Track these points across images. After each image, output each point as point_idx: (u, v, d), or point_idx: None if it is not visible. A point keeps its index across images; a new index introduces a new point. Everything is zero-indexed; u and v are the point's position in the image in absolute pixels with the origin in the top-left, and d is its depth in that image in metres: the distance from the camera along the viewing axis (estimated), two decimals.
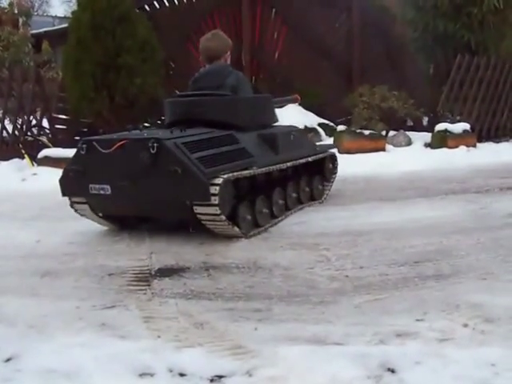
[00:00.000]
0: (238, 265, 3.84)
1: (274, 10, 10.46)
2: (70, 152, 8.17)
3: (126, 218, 4.88)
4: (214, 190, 4.13)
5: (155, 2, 9.73)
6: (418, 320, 2.83)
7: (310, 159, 5.47)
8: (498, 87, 10.51)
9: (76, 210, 4.79)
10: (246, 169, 4.55)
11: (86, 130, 9.32)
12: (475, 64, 10.16)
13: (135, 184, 4.26)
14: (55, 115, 9.34)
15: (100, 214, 4.79)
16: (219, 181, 4.17)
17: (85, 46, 8.34)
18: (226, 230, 4.36)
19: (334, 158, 6.00)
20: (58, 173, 7.68)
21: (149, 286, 3.52)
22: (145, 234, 4.70)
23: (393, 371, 2.38)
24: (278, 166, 4.93)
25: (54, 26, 24.45)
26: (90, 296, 3.35)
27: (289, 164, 5.09)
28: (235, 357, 2.56)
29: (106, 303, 3.23)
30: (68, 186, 4.60)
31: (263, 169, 4.73)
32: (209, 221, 4.27)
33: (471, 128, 9.43)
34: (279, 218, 4.95)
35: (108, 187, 4.34)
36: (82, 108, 8.51)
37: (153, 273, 3.76)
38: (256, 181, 4.78)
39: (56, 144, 8.70)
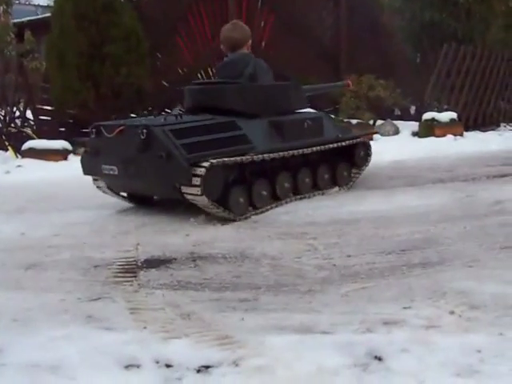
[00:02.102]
0: (224, 255, 3.82)
1: (260, 0, 10.42)
2: (54, 143, 8.17)
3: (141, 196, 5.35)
4: (198, 173, 4.42)
5: None
6: (404, 308, 2.83)
7: (330, 146, 5.51)
8: (484, 76, 10.55)
9: (98, 187, 5.30)
10: (242, 155, 4.76)
11: (71, 121, 9.25)
12: (462, 53, 10.18)
13: (132, 166, 4.64)
14: (39, 106, 9.25)
15: (120, 193, 5.31)
16: (204, 165, 4.44)
17: (68, 36, 8.23)
18: (214, 211, 4.63)
19: (366, 146, 6.00)
20: (42, 164, 7.74)
21: (135, 277, 3.50)
22: (131, 225, 4.68)
23: (380, 359, 2.37)
24: (280, 152, 5.04)
25: (37, 15, 24.27)
26: (76, 288, 3.32)
27: (295, 151, 5.16)
28: (222, 347, 2.54)
29: (91, 295, 3.20)
30: (86, 166, 5.12)
31: (259, 155, 4.87)
32: (196, 202, 4.58)
33: (458, 117, 9.46)
34: (283, 201, 5.15)
35: (115, 168, 4.76)
36: (67, 99, 8.42)
37: (139, 264, 3.74)
38: (256, 166, 4.93)
39: (40, 135, 8.65)
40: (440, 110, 9.46)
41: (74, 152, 8.28)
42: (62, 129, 9.16)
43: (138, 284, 3.38)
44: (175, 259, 3.79)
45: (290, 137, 5.21)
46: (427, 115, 9.31)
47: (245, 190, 4.85)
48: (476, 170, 6.65)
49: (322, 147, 5.44)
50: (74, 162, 7.83)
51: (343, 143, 5.68)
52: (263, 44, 10.47)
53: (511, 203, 4.88)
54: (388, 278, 3.29)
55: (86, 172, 5.17)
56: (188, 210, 5.03)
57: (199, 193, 4.45)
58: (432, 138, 8.93)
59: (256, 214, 4.87)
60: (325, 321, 2.74)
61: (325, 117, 5.87)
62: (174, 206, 5.25)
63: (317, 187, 5.53)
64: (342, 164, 5.80)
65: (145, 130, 4.48)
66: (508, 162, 7.25)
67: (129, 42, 8.43)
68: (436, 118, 9.21)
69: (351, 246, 3.88)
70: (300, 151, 5.22)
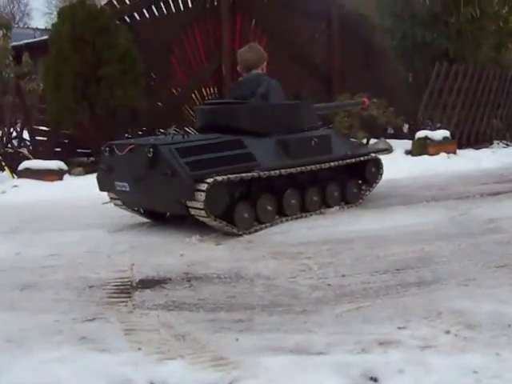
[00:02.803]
0: (219, 275, 3.82)
1: (253, 20, 10.47)
2: (50, 164, 8.17)
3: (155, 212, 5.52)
4: (201, 188, 4.62)
5: (135, 14, 9.66)
6: (400, 328, 2.82)
7: (337, 163, 5.57)
8: (476, 94, 10.60)
9: (115, 204, 5.52)
10: (246, 172, 4.91)
11: (66, 141, 9.26)
12: (453, 72, 10.24)
13: (142, 182, 4.88)
14: (36, 127, 9.27)
15: (135, 208, 5.51)
16: (207, 181, 4.64)
17: (65, 58, 8.27)
18: (218, 226, 4.81)
19: (378, 162, 6.05)
20: (38, 184, 7.74)
21: (130, 297, 3.49)
22: (126, 245, 4.67)
23: (375, 380, 2.37)
24: (285, 169, 5.15)
25: (35, 37, 24.29)
26: (70, 309, 3.31)
27: (299, 168, 5.26)
28: (216, 368, 2.53)
29: (86, 316, 3.19)
30: (101, 183, 5.34)
31: (263, 172, 5.00)
32: (200, 217, 4.74)
33: (451, 135, 9.49)
34: (289, 217, 5.26)
35: (127, 184, 5.02)
36: (63, 119, 8.43)
37: (134, 284, 3.73)
38: (263, 182, 5.09)
39: (37, 156, 8.65)
40: (433, 129, 9.49)
41: (70, 172, 8.28)
42: (58, 149, 9.18)
43: (133, 305, 3.37)
44: (170, 279, 3.79)
45: (296, 154, 5.32)
46: (420, 133, 9.34)
47: (250, 206, 5.02)
48: (469, 187, 6.66)
49: (329, 164, 5.50)
50: (70, 182, 7.88)
51: (351, 160, 5.72)
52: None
53: (505, 221, 4.88)
54: (383, 297, 3.29)
55: (101, 188, 5.40)
56: (183, 230, 5.05)
57: (202, 208, 4.64)
58: (425, 157, 8.95)
59: (261, 228, 5.01)
60: (320, 341, 2.73)
61: (334, 134, 5.92)
62: (169, 226, 5.27)
63: (326, 204, 5.60)
64: (353, 181, 5.87)
65: (151, 149, 4.71)
66: (501, 179, 7.27)
67: (124, 63, 8.47)
68: (429, 136, 9.24)
69: (346, 266, 3.88)
70: (305, 168, 5.30)
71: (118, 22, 9.00)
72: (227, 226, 4.81)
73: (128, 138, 5.56)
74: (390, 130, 10.67)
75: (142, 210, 5.53)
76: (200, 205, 4.65)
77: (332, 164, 5.53)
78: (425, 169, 8.05)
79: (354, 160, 5.76)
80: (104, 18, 8.53)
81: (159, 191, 4.83)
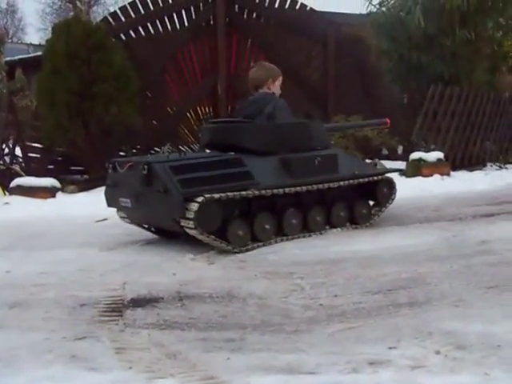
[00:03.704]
0: (211, 294, 3.81)
1: (249, 40, 10.52)
2: (42, 181, 8.16)
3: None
4: (192, 207, 4.66)
5: (131, 31, 9.69)
6: (390, 348, 2.82)
7: (342, 183, 5.53)
8: (470, 117, 10.66)
9: (121, 218, 5.60)
10: (243, 190, 4.93)
11: (60, 158, 9.25)
12: (448, 94, 10.30)
13: (141, 199, 4.97)
14: (28, 144, 9.25)
15: (141, 224, 5.57)
16: (198, 200, 4.68)
17: (59, 74, 8.26)
18: (213, 243, 4.85)
19: (390, 182, 6.01)
20: (30, 202, 7.72)
21: (121, 316, 3.48)
22: (118, 264, 4.66)
23: None
24: (285, 188, 5.15)
25: (28, 53, 24.37)
26: (61, 327, 3.29)
27: (299, 188, 5.23)
28: None
29: (76, 334, 3.17)
30: (108, 199, 5.43)
31: (258, 191, 5.00)
32: (193, 234, 4.78)
33: (445, 157, 9.53)
34: (289, 236, 5.25)
35: (129, 201, 5.10)
36: (56, 136, 8.42)
37: (126, 303, 3.72)
38: (263, 201, 5.10)
39: (29, 173, 8.62)
40: (427, 150, 9.53)
41: (63, 190, 8.27)
42: (51, 166, 9.16)
43: (124, 323, 3.36)
44: (162, 298, 3.77)
45: (298, 174, 5.31)
46: (414, 155, 9.38)
47: (246, 224, 5.02)
48: (463, 209, 6.69)
49: (332, 184, 5.46)
50: (63, 199, 7.86)
51: (358, 180, 5.67)
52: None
53: (497, 243, 4.90)
54: (375, 317, 3.29)
55: (109, 204, 5.48)
56: (175, 249, 5.05)
57: (193, 226, 4.68)
58: (419, 178, 8.98)
59: (256, 247, 5.02)
60: (311, 361, 2.73)
61: (342, 154, 5.88)
62: (162, 244, 5.27)
63: (331, 225, 5.57)
64: (362, 202, 5.84)
65: (146, 166, 4.79)
66: (494, 201, 7.30)
67: (119, 81, 8.47)
68: (423, 157, 9.28)
69: (338, 286, 3.88)
70: (306, 188, 5.27)
71: (113, 40, 9.02)
72: (221, 243, 4.84)
73: (133, 155, 5.59)
74: (385, 151, 10.71)
75: (146, 226, 5.61)
76: (191, 222, 4.68)
77: (337, 185, 5.49)
78: (418, 190, 8.06)
79: (361, 180, 5.69)
80: (99, 35, 8.53)
81: (154, 208, 4.92)
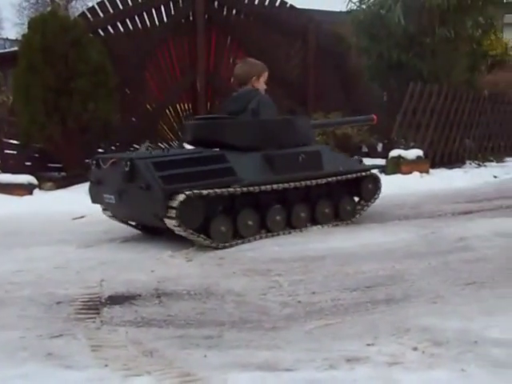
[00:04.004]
0: (189, 291, 3.79)
1: (229, 36, 10.48)
2: (19, 178, 8.08)
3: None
4: (173, 204, 4.69)
5: (109, 27, 9.60)
6: (368, 344, 2.82)
7: (328, 180, 5.56)
8: (449, 115, 10.72)
9: (108, 216, 5.57)
10: (225, 186, 4.96)
11: (37, 155, 9.16)
12: (427, 92, 10.34)
13: (124, 195, 4.96)
14: (5, 140, 9.14)
15: (125, 220, 5.56)
16: (179, 196, 4.70)
17: (36, 70, 8.15)
18: (196, 240, 4.88)
19: (375, 179, 6.04)
20: (6, 199, 7.64)
21: (98, 314, 3.45)
22: (95, 261, 4.62)
23: None
24: (268, 185, 5.16)
25: (5, 48, 24.11)
26: (36, 325, 3.25)
27: (281, 184, 5.23)
28: None
29: (52, 332, 3.14)
30: (92, 195, 5.42)
31: (240, 187, 5.02)
32: (175, 230, 4.80)
33: (424, 154, 9.58)
34: (275, 232, 5.27)
35: (113, 197, 5.09)
36: (33, 133, 8.32)
37: (103, 301, 3.69)
38: (246, 198, 5.10)
39: (5, 170, 8.53)
40: (406, 148, 9.57)
41: (40, 187, 8.19)
42: (28, 163, 9.06)
43: (101, 321, 3.33)
44: (140, 296, 3.75)
45: (282, 170, 5.31)
46: (394, 152, 9.41)
47: (229, 220, 5.03)
48: (441, 206, 6.72)
49: (316, 181, 5.47)
50: (40, 196, 7.79)
51: (342, 177, 5.69)
52: (232, 80, 10.51)
53: (475, 240, 4.91)
54: (352, 314, 3.29)
55: (93, 201, 5.47)
56: (154, 246, 5.03)
57: (175, 222, 4.71)
58: (398, 175, 9.02)
59: (243, 242, 5.05)
60: (288, 358, 2.72)
61: (324, 151, 5.87)
62: (140, 242, 5.24)
63: (316, 221, 5.58)
64: (347, 198, 5.85)
65: (128, 163, 4.80)
66: (473, 198, 7.35)
67: (97, 77, 8.38)
68: (402, 155, 9.31)
69: (316, 283, 3.87)
70: (288, 184, 5.27)
71: (91, 35, 8.93)
72: (204, 239, 4.86)
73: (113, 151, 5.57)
74: (364, 149, 10.73)
75: (130, 223, 5.60)
76: (174, 218, 4.70)
77: (320, 181, 5.50)
78: (398, 187, 8.09)
79: (345, 177, 5.71)
80: (77, 31, 8.42)
81: (137, 204, 4.92)
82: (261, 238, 5.18)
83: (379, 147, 10.90)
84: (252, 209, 5.18)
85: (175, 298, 3.68)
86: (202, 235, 4.86)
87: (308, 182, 5.41)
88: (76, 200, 7.21)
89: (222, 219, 5.01)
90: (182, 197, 4.71)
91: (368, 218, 5.94)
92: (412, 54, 10.61)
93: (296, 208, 5.43)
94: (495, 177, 9.75)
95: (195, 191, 4.77)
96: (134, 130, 9.51)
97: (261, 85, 5.72)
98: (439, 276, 3.94)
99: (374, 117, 7.05)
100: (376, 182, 6.05)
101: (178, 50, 10.12)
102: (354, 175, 5.81)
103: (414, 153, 9.39)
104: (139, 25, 9.77)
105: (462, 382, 2.42)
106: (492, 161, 11.38)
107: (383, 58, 10.77)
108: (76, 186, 8.16)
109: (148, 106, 10.04)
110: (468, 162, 11.03)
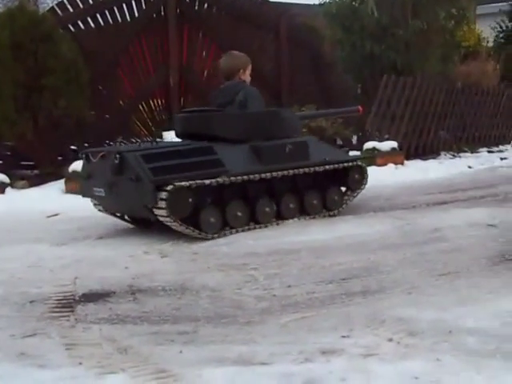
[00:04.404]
0: (164, 287, 3.78)
1: (201, 31, 10.43)
2: None
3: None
4: (162, 196, 4.77)
5: (79, 22, 9.48)
6: (343, 337, 2.82)
7: (314, 170, 5.59)
8: (424, 106, 10.75)
9: (98, 210, 5.64)
10: (213, 177, 5.01)
11: (9, 153, 9.04)
12: (401, 84, 10.37)
13: (113, 188, 5.02)
14: None
15: (114, 213, 5.65)
16: (168, 188, 4.77)
17: (5, 67, 8.00)
18: (185, 231, 4.94)
19: (361, 169, 6.07)
20: None
21: (72, 312, 3.43)
22: (69, 259, 4.58)
23: None
24: (254, 176, 5.22)
25: None
26: (9, 325, 3.21)
27: (268, 174, 5.28)
28: (158, 381, 2.49)
29: (26, 332, 3.10)
30: (82, 189, 5.54)
31: (228, 178, 5.08)
32: (165, 221, 4.88)
33: (399, 146, 9.61)
34: (264, 224, 5.31)
35: (102, 190, 5.15)
36: (4, 131, 8.19)
37: (77, 298, 3.66)
38: (234, 189, 5.18)
39: None
40: (381, 140, 9.59)
41: (12, 185, 8.09)
42: (0, 161, 8.95)
43: (75, 319, 3.31)
44: (114, 293, 3.73)
45: (269, 161, 5.36)
46: (368, 144, 9.43)
47: (218, 211, 5.10)
48: (416, 198, 6.75)
49: (303, 170, 5.50)
50: (12, 195, 7.70)
51: (329, 167, 5.72)
52: (205, 74, 10.49)
53: (450, 230, 4.94)
54: (328, 307, 3.29)
55: (83, 194, 5.57)
56: (128, 243, 5.02)
57: (165, 214, 4.80)
58: (373, 167, 8.99)
59: (231, 233, 5.10)
60: (264, 352, 2.71)
61: (311, 141, 5.91)
62: (114, 239, 5.21)
63: (305, 212, 5.62)
64: (334, 188, 5.89)
65: (118, 155, 4.88)
66: (448, 189, 7.39)
67: (68, 73, 8.28)
68: (377, 147, 9.33)
69: (291, 276, 3.87)
70: (276, 174, 5.32)
71: (61, 31, 8.82)
72: (193, 230, 4.93)
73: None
74: (339, 141, 10.74)
75: (122, 216, 5.66)
76: (163, 210, 4.79)
77: (307, 170, 5.54)
78: (372, 179, 8.04)
79: (332, 167, 5.75)
80: (46, 26, 8.28)
81: (127, 196, 5.01)
82: (249, 229, 5.22)
83: (354, 140, 10.91)
84: (241, 200, 5.25)
85: (150, 295, 3.66)
86: (190, 226, 4.91)
87: (294, 172, 5.45)
88: (49, 198, 7.17)
89: (211, 210, 5.08)
90: (170, 188, 4.77)
91: (343, 210, 5.93)
92: (385, 46, 10.62)
93: (284, 199, 5.48)
94: (470, 167, 9.80)
95: (183, 182, 4.84)
96: (107, 126, 9.41)
97: (247, 77, 5.80)
98: (414, 267, 3.95)
99: (360, 108, 7.07)
100: (363, 172, 6.09)
101: (151, 46, 10.02)
102: (341, 165, 5.86)
103: (388, 145, 9.41)
104: (110, 20, 9.66)
105: (438, 371, 2.42)
106: (466, 151, 11.44)
107: (357, 50, 10.77)
108: (49, 184, 8.07)
109: (121, 102, 9.96)
110: (443, 153, 11.08)
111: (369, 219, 5.57)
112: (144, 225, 5.50)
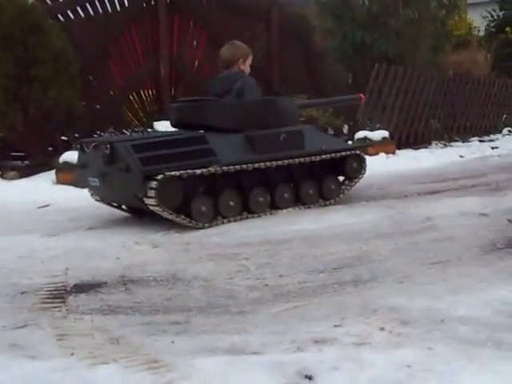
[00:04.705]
0: (156, 278, 3.76)
1: (192, 21, 10.38)
2: None
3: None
4: (152, 185, 4.78)
5: (69, 12, 9.41)
6: (335, 326, 2.81)
7: (310, 159, 5.58)
8: (415, 96, 10.78)
9: (95, 200, 5.73)
10: (205, 167, 5.02)
11: None
12: (392, 73, 10.37)
13: (106, 178, 5.04)
14: None
15: (110, 203, 5.71)
16: (158, 177, 4.79)
17: None
18: (176, 220, 4.96)
19: (359, 158, 6.06)
20: None
21: (64, 302, 3.40)
22: (60, 250, 4.56)
23: (310, 378, 2.35)
24: (247, 165, 5.21)
25: None
26: (0, 316, 3.20)
27: (265, 164, 5.29)
28: (150, 371, 2.48)
29: (17, 323, 3.08)
30: (78, 179, 5.56)
31: (219, 167, 5.07)
32: (156, 211, 4.91)
33: (390, 135, 9.63)
34: (258, 214, 5.33)
35: (97, 180, 5.16)
36: None
37: (68, 289, 3.64)
38: (226, 178, 5.18)
39: None
40: (372, 129, 9.61)
41: (3, 176, 8.06)
42: None
43: (67, 309, 3.29)
44: (105, 283, 3.70)
45: (262, 150, 5.35)
46: (360, 134, 9.45)
47: (210, 200, 5.11)
48: (408, 187, 6.76)
49: (298, 160, 5.49)
50: (3, 186, 7.67)
51: (325, 156, 5.69)
52: (196, 64, 10.46)
53: (442, 219, 4.95)
54: (320, 296, 3.28)
55: (79, 185, 5.66)
56: (119, 233, 5.00)
57: (155, 203, 4.82)
58: (365, 157, 9.03)
59: (223, 223, 5.12)
60: (256, 341, 2.70)
61: (307, 130, 5.88)
62: (106, 230, 5.19)
63: (301, 201, 5.62)
64: (330, 177, 5.88)
65: (108, 145, 4.92)
66: (439, 178, 7.40)
67: (58, 63, 8.23)
68: (368, 136, 9.35)
69: (283, 266, 3.86)
70: (270, 163, 5.31)
71: (50, 21, 8.76)
72: (184, 219, 4.95)
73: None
74: (330, 131, 10.73)
75: (119, 205, 5.72)
76: (153, 199, 4.80)
77: (303, 160, 5.52)
78: None
79: (328, 156, 5.73)
80: (35, 16, 8.21)
81: (119, 186, 5.06)
82: (241, 219, 5.23)
83: (345, 129, 10.91)
84: (234, 190, 5.24)
85: (141, 285, 3.64)
86: (181, 215, 4.94)
87: (288, 161, 5.43)
88: (40, 188, 7.14)
89: (203, 199, 5.09)
90: (160, 177, 4.78)
91: (334, 200, 5.93)
92: (376, 35, 10.62)
93: (279, 189, 5.47)
94: (461, 156, 9.84)
95: (173, 172, 4.85)
96: (97, 117, 9.37)
97: (246, 67, 5.79)
98: (406, 256, 3.95)
99: (362, 95, 7.06)
100: (361, 161, 6.07)
101: (141, 35, 9.99)
102: (338, 154, 5.84)
103: (379, 134, 9.43)
104: (100, 10, 9.60)
105: (430, 360, 2.42)
106: (458, 141, 11.49)
107: (347, 40, 10.77)
108: (40, 175, 8.04)
109: (111, 93, 9.91)
110: (434, 142, 11.12)
111: (360, 208, 5.56)
112: (141, 214, 5.51)
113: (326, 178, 5.82)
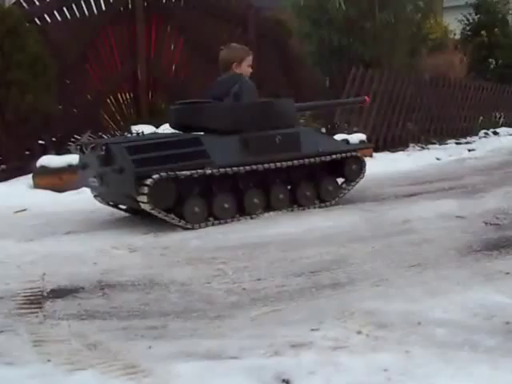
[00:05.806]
0: (133, 282, 3.75)
1: (169, 25, 10.36)
2: None
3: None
4: (144, 186, 4.89)
5: (46, 16, 9.33)
6: (313, 330, 2.82)
7: (306, 161, 5.58)
8: (392, 99, 10.83)
9: (99, 201, 5.82)
10: (198, 169, 5.08)
11: None
12: (369, 76, 10.42)
13: (104, 178, 5.14)
14: None
15: (110, 203, 5.81)
16: (150, 180, 4.89)
17: None
18: (170, 221, 5.06)
19: (358, 160, 6.07)
20: None
21: (41, 308, 3.39)
22: (37, 254, 4.52)
23: (287, 382, 2.36)
24: (241, 167, 5.25)
25: None
26: None
27: (257, 166, 5.32)
28: (128, 376, 2.47)
29: None
30: (80, 180, 5.72)
31: (211, 169, 5.13)
32: (149, 211, 5.00)
33: (367, 138, 9.65)
34: (253, 215, 5.36)
35: (96, 180, 5.25)
36: None
37: (45, 295, 3.62)
38: (221, 180, 5.23)
39: None
40: (350, 132, 9.63)
41: None
42: None
43: (44, 315, 3.27)
44: (83, 288, 3.69)
45: (258, 152, 5.37)
46: (337, 137, 9.45)
47: (203, 202, 5.17)
48: (385, 190, 6.78)
49: (292, 162, 5.49)
50: None
51: (321, 158, 5.70)
52: (173, 68, 10.43)
53: (419, 222, 4.99)
54: (297, 300, 3.30)
55: (80, 185, 5.88)
56: (97, 238, 4.96)
57: (148, 204, 4.93)
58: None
59: (214, 224, 5.17)
60: (233, 346, 2.70)
61: (304, 132, 5.91)
62: (83, 234, 5.16)
63: (298, 204, 5.63)
64: (328, 179, 5.88)
65: (104, 147, 5.05)
66: (416, 181, 7.45)
67: (35, 67, 8.17)
68: (346, 140, 9.37)
69: (261, 270, 3.87)
70: (262, 166, 5.33)
71: (27, 24, 8.69)
72: (176, 220, 5.05)
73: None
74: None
75: (118, 205, 5.82)
76: (146, 200, 4.91)
77: (297, 162, 5.52)
78: None
79: (325, 158, 5.73)
80: (12, 19, 8.14)
81: (115, 187, 5.18)
82: (238, 220, 5.29)
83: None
84: (228, 192, 5.30)
85: (119, 290, 3.64)
86: (175, 216, 5.04)
87: (284, 164, 5.44)
88: (17, 193, 7.07)
89: (196, 201, 5.15)
90: (152, 179, 4.87)
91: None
92: (353, 39, 10.67)
93: (274, 190, 5.49)
94: (438, 159, 9.91)
95: (165, 174, 4.93)
96: (75, 120, 9.31)
97: (243, 69, 5.79)
98: (383, 259, 3.98)
99: (367, 98, 7.05)
100: (359, 163, 6.08)
101: (118, 39, 9.92)
102: (333, 156, 5.83)
103: (357, 137, 9.44)
104: (77, 13, 9.53)
105: (407, 363, 2.44)
106: (435, 143, 11.57)
107: (325, 43, 10.81)
108: (17, 179, 7.96)
109: (89, 96, 9.85)
110: (411, 145, 11.19)
111: (338, 211, 5.58)
112: (141, 214, 5.48)
113: (323, 180, 5.83)
